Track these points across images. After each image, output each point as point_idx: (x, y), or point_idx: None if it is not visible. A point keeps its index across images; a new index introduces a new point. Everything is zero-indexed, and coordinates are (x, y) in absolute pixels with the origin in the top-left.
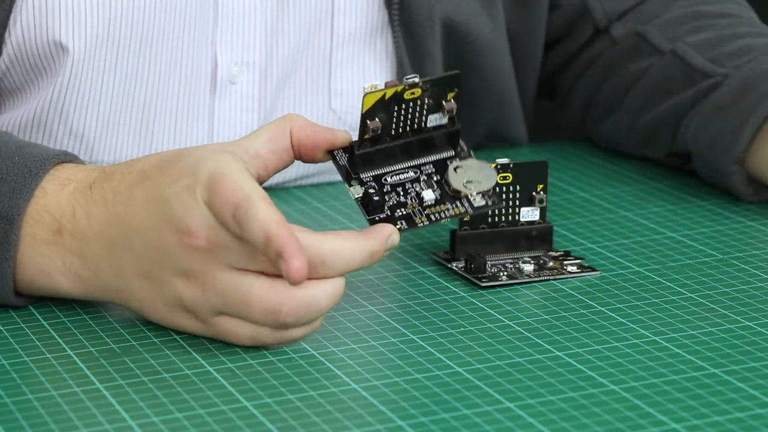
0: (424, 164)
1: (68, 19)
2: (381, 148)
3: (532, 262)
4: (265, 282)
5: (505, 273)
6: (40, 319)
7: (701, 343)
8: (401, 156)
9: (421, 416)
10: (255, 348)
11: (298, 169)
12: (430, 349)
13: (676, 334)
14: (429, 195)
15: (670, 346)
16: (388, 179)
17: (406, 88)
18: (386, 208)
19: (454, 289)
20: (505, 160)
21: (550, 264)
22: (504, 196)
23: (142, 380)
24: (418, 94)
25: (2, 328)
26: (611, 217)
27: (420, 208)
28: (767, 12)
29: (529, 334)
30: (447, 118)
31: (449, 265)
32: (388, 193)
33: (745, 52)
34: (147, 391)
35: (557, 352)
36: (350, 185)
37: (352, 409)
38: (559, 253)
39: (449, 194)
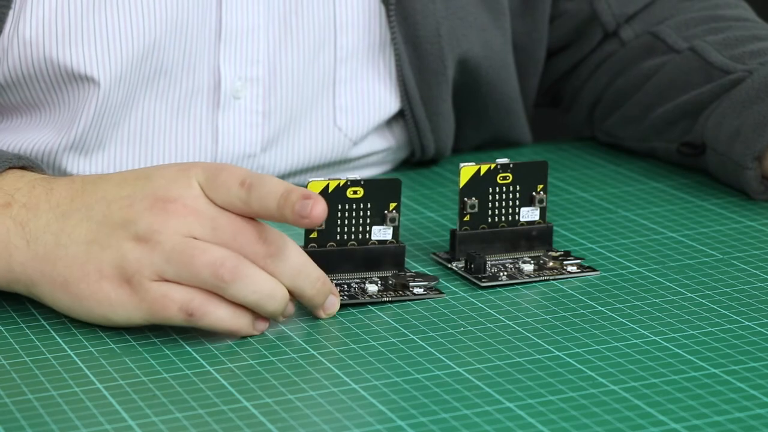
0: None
1: (95, 51)
2: (325, 250)
3: (532, 262)
4: (214, 244)
5: (505, 273)
6: (40, 319)
7: (701, 343)
8: (346, 265)
9: (421, 416)
10: (255, 348)
11: (298, 168)
12: (430, 349)
13: (676, 334)
14: (372, 288)
15: (670, 346)
16: (332, 280)
17: (349, 184)
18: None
19: (454, 289)
20: (505, 160)
21: (550, 264)
22: (504, 195)
23: (142, 380)
24: (361, 194)
25: (2, 328)
26: (611, 217)
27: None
28: (767, 12)
29: (529, 334)
30: (391, 229)
31: (449, 265)
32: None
33: (767, 51)
34: (147, 391)
35: (557, 352)
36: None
37: (352, 409)
38: (559, 253)
39: (392, 288)
